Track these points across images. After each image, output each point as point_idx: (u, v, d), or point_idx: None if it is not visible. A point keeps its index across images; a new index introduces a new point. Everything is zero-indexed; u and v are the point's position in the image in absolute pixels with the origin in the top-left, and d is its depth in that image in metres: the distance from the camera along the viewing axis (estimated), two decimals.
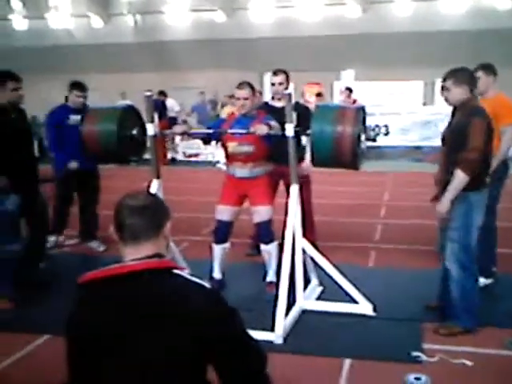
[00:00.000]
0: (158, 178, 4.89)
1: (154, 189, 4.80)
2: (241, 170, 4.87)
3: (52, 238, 6.19)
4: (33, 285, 5.00)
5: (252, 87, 4.82)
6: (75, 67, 18.64)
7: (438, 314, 4.34)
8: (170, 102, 14.56)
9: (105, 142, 4.70)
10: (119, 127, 4.70)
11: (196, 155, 14.19)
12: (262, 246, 4.96)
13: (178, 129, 5.20)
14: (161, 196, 4.73)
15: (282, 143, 4.40)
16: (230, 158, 4.95)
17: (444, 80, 4.06)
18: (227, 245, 5.02)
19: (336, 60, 19.02)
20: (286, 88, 5.45)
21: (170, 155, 14.19)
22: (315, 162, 4.35)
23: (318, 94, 15.06)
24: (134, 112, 5.02)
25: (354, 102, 13.03)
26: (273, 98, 5.72)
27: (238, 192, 4.93)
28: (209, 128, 5.03)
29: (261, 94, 12.48)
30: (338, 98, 14.88)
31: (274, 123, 4.54)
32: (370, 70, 17.65)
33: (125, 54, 20.33)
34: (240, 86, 4.78)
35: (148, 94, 4.83)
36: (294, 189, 4.51)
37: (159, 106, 12.91)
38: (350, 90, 13.55)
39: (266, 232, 4.89)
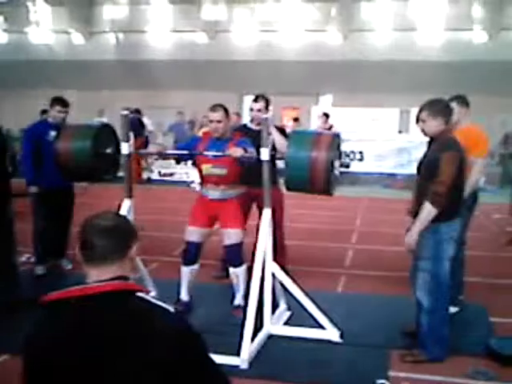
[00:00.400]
0: (130, 197, 4.86)
1: (125, 208, 4.76)
2: (213, 192, 4.86)
3: (40, 268, 6.07)
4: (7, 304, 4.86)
5: (226, 110, 4.81)
6: (54, 83, 18.57)
7: (412, 340, 4.31)
8: (145, 121, 14.55)
9: (78, 160, 4.67)
10: (94, 145, 4.68)
11: (171, 175, 14.16)
12: (231, 269, 4.94)
13: (153, 149, 5.17)
14: (132, 216, 4.71)
15: (257, 166, 4.41)
16: (203, 179, 4.95)
17: (420, 111, 4.11)
18: (196, 266, 4.98)
19: (315, 85, 19.24)
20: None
21: (145, 175, 14.13)
22: (289, 186, 4.37)
23: (296, 119, 15.23)
24: (110, 130, 5.01)
25: (331, 127, 13.15)
26: (251, 120, 5.74)
27: (208, 213, 4.91)
28: (182, 148, 4.99)
29: (239, 115, 12.51)
30: (315, 123, 14.98)
31: (250, 149, 4.54)
32: (348, 96, 17.88)
33: (105, 71, 20.33)
34: (213, 108, 4.77)
35: (124, 112, 4.82)
36: (267, 212, 4.51)
37: (136, 125, 12.88)
38: (326, 115, 13.68)
39: (235, 255, 4.87)
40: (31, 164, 5.93)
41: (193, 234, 4.91)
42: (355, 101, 16.95)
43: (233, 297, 4.98)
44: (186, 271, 4.96)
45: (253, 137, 4.89)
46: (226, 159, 4.63)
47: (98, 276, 1.82)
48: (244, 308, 4.51)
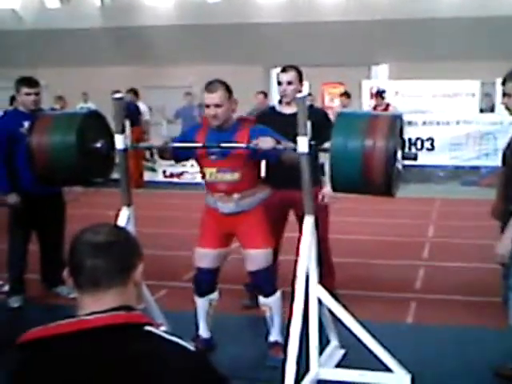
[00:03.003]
0: (128, 205, 4.92)
1: (123, 219, 4.83)
2: (224, 205, 4.81)
3: (15, 299, 6.20)
4: None
5: (228, 88, 4.68)
6: (22, 59, 18.86)
7: None
8: (140, 107, 14.68)
9: (58, 158, 4.73)
10: (79, 138, 4.74)
11: (179, 175, 14.25)
12: (261, 299, 4.96)
13: (156, 141, 5.22)
14: (132, 229, 4.77)
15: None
16: (208, 186, 4.90)
17: (503, 83, 4.11)
18: (213, 296, 5.03)
19: (365, 53, 19.20)
20: (299, 90, 5.46)
21: (147, 176, 14.30)
22: (336, 185, 4.36)
23: (344, 94, 14.80)
24: (99, 119, 5.08)
25: (387, 107, 13.12)
26: (280, 101, 5.79)
27: (222, 230, 4.90)
28: (178, 141, 4.93)
29: (266, 95, 12.60)
30: (368, 103, 14.95)
31: (281, 140, 4.52)
32: (410, 66, 17.80)
33: (87, 42, 20.52)
34: (209, 87, 4.63)
35: (117, 95, 4.89)
36: (308, 221, 4.50)
37: (132, 111, 13.03)
38: (381, 91, 13.64)
39: (265, 282, 4.88)
40: (4, 167, 6.04)
41: (204, 257, 4.92)
42: (419, 72, 16.86)
43: (268, 331, 5.01)
44: (201, 303, 5.01)
45: (284, 123, 4.88)
46: (236, 159, 4.63)
47: (93, 306, 1.86)
48: (283, 346, 4.53)
